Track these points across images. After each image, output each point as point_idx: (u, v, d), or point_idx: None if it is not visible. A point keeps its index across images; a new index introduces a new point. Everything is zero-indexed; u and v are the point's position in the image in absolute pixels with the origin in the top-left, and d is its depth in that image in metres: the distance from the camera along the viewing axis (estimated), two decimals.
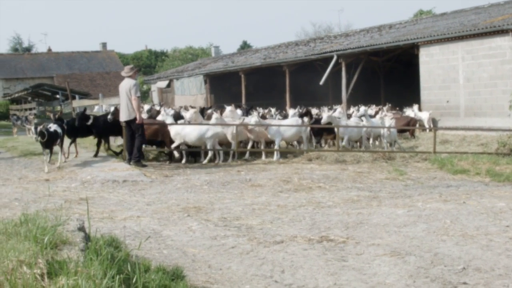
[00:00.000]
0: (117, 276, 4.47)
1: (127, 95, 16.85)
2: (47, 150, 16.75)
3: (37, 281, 4.54)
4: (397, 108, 30.35)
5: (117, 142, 21.16)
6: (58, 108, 39.71)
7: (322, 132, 20.99)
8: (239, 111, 23.77)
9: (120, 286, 4.41)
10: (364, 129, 21.04)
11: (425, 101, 28.49)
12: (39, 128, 16.13)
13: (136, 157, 16.93)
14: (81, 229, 6.69)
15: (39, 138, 16.07)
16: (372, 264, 7.68)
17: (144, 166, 16.89)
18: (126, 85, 17.02)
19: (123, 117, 17.11)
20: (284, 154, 19.54)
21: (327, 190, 13.66)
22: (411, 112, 27.68)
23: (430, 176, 16.01)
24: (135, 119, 16.78)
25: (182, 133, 18.39)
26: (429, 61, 28.28)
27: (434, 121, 27.65)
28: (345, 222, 10.18)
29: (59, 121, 18.61)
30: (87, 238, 6.38)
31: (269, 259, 8.00)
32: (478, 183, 14.70)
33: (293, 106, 32.42)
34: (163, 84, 52.27)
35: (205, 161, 18.57)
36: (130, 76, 17.14)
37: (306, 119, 20.93)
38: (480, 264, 7.54)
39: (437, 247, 8.40)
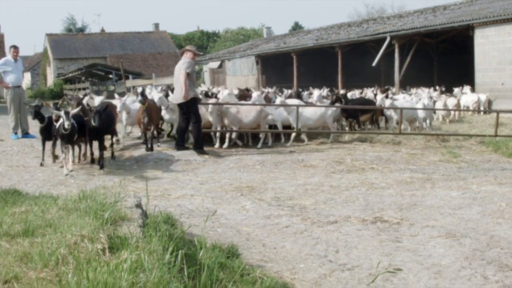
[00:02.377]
0: (179, 252, 4.54)
1: (178, 73, 15.68)
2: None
3: (99, 255, 4.64)
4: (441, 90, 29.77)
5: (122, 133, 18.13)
6: (112, 87, 40.13)
7: (357, 114, 19.66)
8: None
9: (181, 262, 4.47)
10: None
11: (480, 83, 28.07)
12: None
13: (198, 147, 15.62)
14: (139, 206, 6.81)
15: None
16: (427, 245, 7.65)
17: (207, 153, 15.51)
18: (179, 64, 16.01)
19: (174, 99, 16.26)
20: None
21: (380, 172, 13.60)
22: (460, 93, 26.96)
23: (485, 158, 15.82)
24: (189, 101, 15.46)
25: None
26: (484, 42, 27.83)
27: (489, 103, 27.23)
28: (399, 204, 10.15)
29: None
30: (144, 214, 6.48)
31: (323, 239, 8.03)
32: None
33: (345, 87, 32.28)
34: (215, 64, 52.39)
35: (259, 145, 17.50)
36: (185, 56, 15.95)
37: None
38: None
39: (492, 230, 8.33)
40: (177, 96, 15.78)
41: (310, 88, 27.78)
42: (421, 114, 20.14)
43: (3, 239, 5.55)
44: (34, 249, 4.99)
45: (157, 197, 10.48)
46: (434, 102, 22.94)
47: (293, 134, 17.94)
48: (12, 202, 7.85)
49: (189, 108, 15.62)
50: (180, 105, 15.79)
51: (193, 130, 15.89)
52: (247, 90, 25.13)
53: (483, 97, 26.00)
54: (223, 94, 18.87)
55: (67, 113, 12.42)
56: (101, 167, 13.43)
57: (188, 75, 15.36)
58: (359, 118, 19.80)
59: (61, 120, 12.71)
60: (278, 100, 18.45)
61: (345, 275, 6.57)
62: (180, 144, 15.91)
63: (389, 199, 10.56)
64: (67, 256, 4.64)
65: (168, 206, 9.63)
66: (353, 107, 19.64)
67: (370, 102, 21.39)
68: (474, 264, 6.85)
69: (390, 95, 22.79)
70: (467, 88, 27.94)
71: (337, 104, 19.18)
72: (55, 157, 14.19)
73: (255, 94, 18.94)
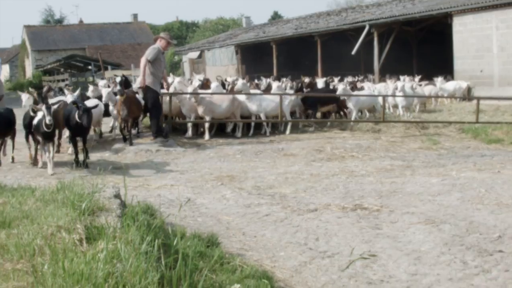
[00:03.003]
0: (156, 241, 4.51)
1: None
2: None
3: (76, 246, 4.60)
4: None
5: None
6: (91, 79, 39.94)
7: (316, 104, 19.16)
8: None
9: (158, 251, 4.44)
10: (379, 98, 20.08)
11: (459, 71, 28.14)
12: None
13: (155, 133, 15.73)
14: (117, 196, 6.76)
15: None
16: (406, 232, 7.67)
17: (167, 139, 15.62)
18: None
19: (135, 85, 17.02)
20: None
21: (360, 159, 13.62)
22: (441, 82, 26.80)
23: (464, 145, 15.90)
24: (147, 88, 15.55)
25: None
26: (463, 30, 27.88)
27: (469, 91, 27.31)
28: (379, 191, 10.16)
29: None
30: (123, 205, 6.44)
31: (303, 226, 8.02)
32: None
33: (325, 76, 32.28)
34: (194, 55, 52.27)
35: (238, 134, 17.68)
36: (158, 41, 16.00)
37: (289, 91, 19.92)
38: None
39: (472, 216, 8.36)
40: (137, 82, 16.74)
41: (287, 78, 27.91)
42: (402, 102, 20.26)
43: None
44: (11, 240, 4.93)
45: (136, 188, 10.44)
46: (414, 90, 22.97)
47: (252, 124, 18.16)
48: None
49: (145, 95, 16.01)
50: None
51: (150, 118, 16.36)
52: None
53: (463, 85, 26.12)
54: (237, 83, 18.61)
55: (48, 108, 11.69)
56: (86, 166, 12.75)
57: (150, 62, 15.36)
58: (319, 109, 19.58)
59: (39, 115, 12.02)
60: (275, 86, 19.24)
61: (325, 262, 6.57)
62: (157, 132, 15.71)
63: (369, 187, 10.57)
64: (43, 247, 4.60)
65: (147, 196, 9.58)
66: (314, 95, 19.81)
67: (334, 92, 20.63)
68: (454, 249, 6.87)
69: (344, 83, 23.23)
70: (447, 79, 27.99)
71: (290, 93, 19.37)
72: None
73: (239, 83, 18.51)
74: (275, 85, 19.76)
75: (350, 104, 19.22)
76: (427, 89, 24.73)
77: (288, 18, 59.28)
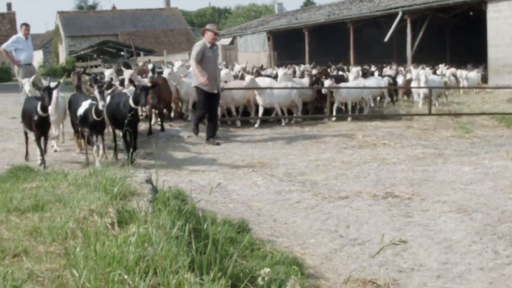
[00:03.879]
0: (186, 226, 4.53)
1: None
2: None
3: (108, 229, 4.65)
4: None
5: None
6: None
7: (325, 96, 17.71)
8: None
9: (189, 236, 4.47)
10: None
11: (492, 59, 27.83)
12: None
13: (194, 129, 14.76)
14: (149, 181, 6.81)
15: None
16: (438, 220, 7.63)
17: (218, 144, 14.00)
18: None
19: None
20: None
21: (392, 147, 13.55)
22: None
23: (497, 134, 15.74)
24: (196, 87, 14.32)
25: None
26: (497, 17, 27.56)
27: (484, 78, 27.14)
28: (410, 179, 10.11)
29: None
30: (154, 189, 6.48)
31: (334, 214, 8.02)
32: None
33: (358, 63, 32.11)
34: (226, 41, 52.24)
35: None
36: (202, 35, 14.61)
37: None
38: None
39: (504, 205, 8.29)
40: (193, 79, 14.50)
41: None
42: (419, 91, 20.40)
43: (14, 214, 5.57)
44: (44, 223, 5.00)
45: (168, 173, 10.47)
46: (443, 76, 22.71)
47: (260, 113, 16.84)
48: (24, 178, 7.88)
49: (196, 94, 14.69)
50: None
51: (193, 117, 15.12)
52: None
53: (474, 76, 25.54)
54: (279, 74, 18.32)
55: (101, 92, 10.50)
56: (132, 162, 10.66)
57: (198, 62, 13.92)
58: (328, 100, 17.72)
59: (85, 104, 11.05)
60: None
61: (356, 249, 6.57)
62: (196, 130, 14.68)
63: (401, 175, 10.52)
64: (75, 230, 4.65)
65: (179, 181, 9.62)
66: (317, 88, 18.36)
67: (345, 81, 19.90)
68: (485, 239, 6.82)
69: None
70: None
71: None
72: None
73: (281, 72, 18.24)
74: (281, 72, 18.60)
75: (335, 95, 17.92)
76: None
77: (320, 4, 59.22)
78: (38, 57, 71.73)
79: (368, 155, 12.50)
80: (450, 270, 5.94)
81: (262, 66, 27.93)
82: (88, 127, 11.15)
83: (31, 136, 11.48)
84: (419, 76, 19.84)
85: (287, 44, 45.04)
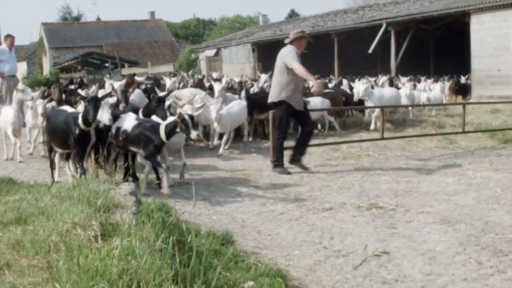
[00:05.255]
0: (170, 238, 4.52)
1: (278, 66, 12.34)
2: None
3: (91, 242, 4.62)
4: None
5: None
6: (108, 76, 40.05)
7: (252, 110, 15.51)
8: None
9: (173, 248, 4.46)
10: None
11: (476, 70, 28.01)
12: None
13: (274, 161, 12.20)
14: (133, 193, 6.78)
15: None
16: (421, 231, 7.65)
17: (288, 173, 11.91)
18: (280, 53, 12.45)
19: (270, 97, 12.45)
20: None
21: (376, 158, 13.61)
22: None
23: (481, 145, 15.86)
24: (280, 102, 12.05)
25: None
26: (480, 29, 27.76)
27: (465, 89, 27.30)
28: (394, 190, 10.15)
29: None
30: (138, 202, 6.47)
31: (318, 225, 8.02)
32: None
33: (342, 74, 32.21)
34: (211, 52, 52.25)
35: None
36: (291, 43, 12.39)
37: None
38: None
39: (487, 216, 8.33)
40: (272, 94, 12.40)
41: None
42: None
43: None
44: (26, 236, 4.97)
45: (151, 186, 10.45)
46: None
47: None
48: (6, 191, 7.83)
49: (277, 111, 12.24)
50: (275, 104, 12.30)
51: (272, 139, 12.41)
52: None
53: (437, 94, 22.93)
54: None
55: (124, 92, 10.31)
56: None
57: (287, 69, 12.03)
58: (255, 116, 15.98)
59: (126, 121, 9.99)
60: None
61: (340, 261, 6.57)
62: (279, 162, 12.21)
63: (385, 186, 10.57)
64: (58, 244, 4.63)
65: (163, 194, 9.61)
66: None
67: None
68: (469, 249, 6.85)
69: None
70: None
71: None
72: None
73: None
74: (217, 87, 15.47)
75: None
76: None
77: (305, 16, 59.28)
78: (22, 69, 71.56)
79: (352, 166, 12.53)
80: (434, 281, 5.95)
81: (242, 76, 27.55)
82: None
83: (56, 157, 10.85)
84: (358, 90, 17.64)
85: (272, 56, 44.87)
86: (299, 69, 11.85)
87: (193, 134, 9.18)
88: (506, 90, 25.76)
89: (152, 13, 78.12)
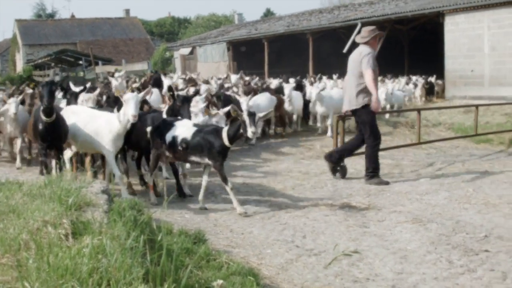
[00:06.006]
0: (141, 237, 4.51)
1: (356, 70, 11.18)
2: None
3: (61, 241, 4.59)
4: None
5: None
6: (81, 74, 39.81)
7: None
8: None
9: (144, 247, 4.44)
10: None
11: (450, 70, 28.20)
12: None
13: (370, 172, 11.00)
14: (105, 191, 6.75)
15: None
16: (393, 230, 7.70)
17: (386, 183, 10.83)
18: (356, 55, 11.38)
19: (346, 104, 11.43)
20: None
21: (349, 158, 13.63)
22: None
23: (453, 145, 15.98)
24: (363, 107, 10.95)
25: None
26: (454, 29, 27.95)
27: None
28: (367, 189, 10.19)
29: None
30: (110, 200, 6.44)
31: (290, 224, 8.04)
32: (501, 152, 14.64)
33: (317, 75, 32.32)
34: (186, 51, 52.14)
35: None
36: (366, 43, 11.35)
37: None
38: (502, 232, 7.52)
39: (459, 215, 8.39)
40: (347, 101, 11.30)
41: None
42: (319, 109, 17.35)
43: None
44: None
45: (125, 184, 10.40)
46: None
47: None
48: None
49: (362, 117, 11.11)
50: (352, 112, 11.30)
51: (367, 148, 11.18)
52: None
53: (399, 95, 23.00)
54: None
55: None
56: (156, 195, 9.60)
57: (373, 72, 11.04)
58: None
59: (178, 129, 9.11)
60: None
61: (312, 260, 6.58)
62: (371, 175, 11.04)
63: (357, 185, 10.60)
64: (29, 242, 4.58)
65: (136, 192, 9.58)
66: None
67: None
68: (440, 249, 6.89)
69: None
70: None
71: None
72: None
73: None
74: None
75: None
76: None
77: (280, 15, 59.31)
78: None
79: (326, 166, 12.56)
80: (405, 280, 5.99)
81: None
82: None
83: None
84: (310, 94, 17.29)
85: (247, 55, 45.13)
86: (369, 79, 10.87)
87: (250, 132, 8.49)
88: (478, 91, 25.99)
89: (127, 11, 77.78)
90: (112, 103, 11.53)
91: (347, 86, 11.39)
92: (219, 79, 22.89)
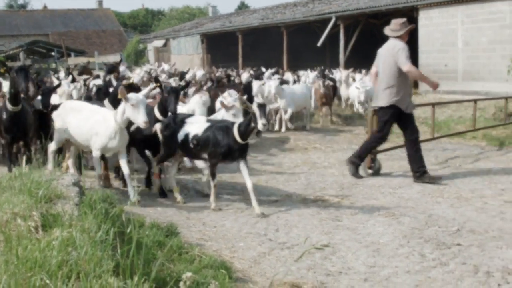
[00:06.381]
0: (112, 229, 4.46)
1: (386, 65, 10.61)
2: None
3: (31, 233, 4.53)
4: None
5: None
6: (53, 65, 39.48)
7: None
8: None
9: (114, 240, 4.40)
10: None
11: (423, 65, 28.29)
12: None
13: (417, 170, 10.48)
14: (76, 184, 6.67)
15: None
16: (366, 224, 7.70)
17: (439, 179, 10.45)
18: (388, 49, 10.78)
19: (373, 100, 11.46)
20: None
21: (323, 151, 13.67)
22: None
23: (427, 139, 16.00)
24: (388, 107, 10.44)
25: None
26: (428, 24, 28.08)
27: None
28: (340, 183, 10.20)
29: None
30: (81, 192, 6.37)
31: (263, 217, 8.01)
32: (474, 147, 14.72)
33: (291, 68, 32.32)
34: (159, 43, 51.96)
35: None
36: (399, 37, 10.74)
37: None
38: (474, 226, 7.56)
39: (431, 209, 8.43)
40: (382, 98, 10.60)
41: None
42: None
43: None
44: None
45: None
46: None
47: None
48: None
49: (382, 116, 10.70)
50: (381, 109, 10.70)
51: (408, 148, 10.84)
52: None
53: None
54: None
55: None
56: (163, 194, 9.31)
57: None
58: None
59: (192, 126, 8.77)
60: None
61: (284, 253, 6.56)
62: (356, 166, 10.90)
63: (331, 179, 10.61)
64: None
65: (108, 185, 9.50)
66: None
67: None
68: (412, 242, 6.91)
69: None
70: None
71: None
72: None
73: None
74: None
75: None
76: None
77: (255, 8, 59.26)
78: None
79: (299, 159, 12.57)
80: (377, 273, 5.98)
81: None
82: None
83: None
84: (269, 87, 16.20)
85: (221, 47, 45.03)
86: (415, 73, 10.53)
87: (260, 124, 8.06)
88: (452, 86, 26.12)
89: (100, 2, 77.13)
90: (102, 95, 10.94)
91: (379, 83, 10.72)
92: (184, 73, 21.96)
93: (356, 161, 10.78)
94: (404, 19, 11.00)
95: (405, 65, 10.14)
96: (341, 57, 32.84)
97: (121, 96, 8.02)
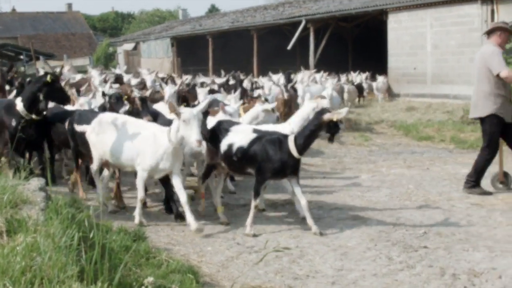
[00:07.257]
0: (77, 234, 4.43)
1: (480, 72, 9.59)
2: None
3: None
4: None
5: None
6: (22, 69, 39.15)
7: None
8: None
9: (79, 245, 4.37)
10: None
11: (393, 68, 28.52)
12: None
13: (472, 181, 9.76)
14: (42, 189, 6.62)
15: None
16: (334, 227, 7.72)
17: (489, 194, 9.70)
18: (482, 53, 9.70)
19: (471, 111, 10.05)
20: None
21: None
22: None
23: (395, 142, 16.13)
24: (489, 117, 9.50)
25: None
26: (398, 27, 28.27)
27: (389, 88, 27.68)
28: (309, 186, 10.21)
29: None
30: (48, 197, 6.32)
31: (231, 221, 8.01)
32: (443, 150, 14.85)
33: (261, 71, 32.38)
34: (129, 46, 51.71)
35: None
36: (493, 39, 9.63)
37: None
38: (441, 229, 7.63)
39: (399, 212, 8.50)
40: (474, 107, 9.87)
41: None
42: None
43: None
44: None
45: (67, 181, 10.25)
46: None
47: None
48: None
49: (485, 127, 9.75)
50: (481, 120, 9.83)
51: (478, 157, 9.86)
52: None
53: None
54: None
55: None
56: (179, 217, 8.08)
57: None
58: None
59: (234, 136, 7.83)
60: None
61: (252, 257, 6.57)
62: (471, 184, 9.83)
63: (300, 182, 10.60)
64: None
65: (75, 190, 9.44)
66: None
67: None
68: (380, 245, 6.95)
69: None
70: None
71: None
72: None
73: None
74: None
75: None
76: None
77: (225, 11, 59.27)
78: None
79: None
80: (344, 277, 6.01)
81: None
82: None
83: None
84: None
85: (191, 51, 44.92)
86: (510, 78, 9.32)
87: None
88: (421, 89, 26.35)
89: (69, 5, 76.55)
90: (116, 105, 9.36)
91: (475, 90, 9.83)
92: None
93: (476, 182, 9.79)
94: (501, 22, 10.22)
95: (496, 70, 9.28)
96: (311, 60, 32.93)
97: (171, 111, 7.47)
